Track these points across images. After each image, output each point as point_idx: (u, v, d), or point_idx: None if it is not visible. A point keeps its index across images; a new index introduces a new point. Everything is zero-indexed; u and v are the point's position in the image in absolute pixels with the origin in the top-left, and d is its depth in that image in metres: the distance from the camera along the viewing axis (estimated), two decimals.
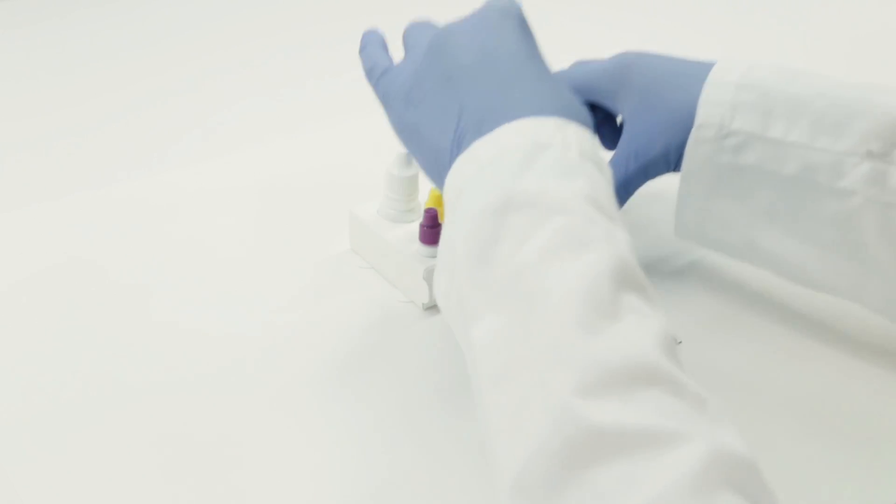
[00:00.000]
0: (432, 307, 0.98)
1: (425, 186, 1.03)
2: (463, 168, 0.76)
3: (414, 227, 0.99)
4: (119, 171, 1.18)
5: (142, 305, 0.96)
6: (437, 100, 0.81)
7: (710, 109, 0.91)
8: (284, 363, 0.91)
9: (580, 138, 0.76)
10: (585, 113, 0.80)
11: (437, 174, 0.82)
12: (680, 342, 0.89)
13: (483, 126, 0.77)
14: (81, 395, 0.87)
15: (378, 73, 0.90)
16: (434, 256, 0.96)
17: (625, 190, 0.97)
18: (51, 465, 0.80)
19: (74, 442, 0.82)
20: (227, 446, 0.83)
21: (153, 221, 1.08)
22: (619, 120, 1.02)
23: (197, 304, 0.97)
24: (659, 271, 1.05)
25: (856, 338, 0.97)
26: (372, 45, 0.93)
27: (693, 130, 0.91)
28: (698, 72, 0.92)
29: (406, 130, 0.86)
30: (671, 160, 0.95)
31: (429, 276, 0.96)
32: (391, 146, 1.01)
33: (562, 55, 1.48)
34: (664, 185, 1.14)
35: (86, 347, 0.92)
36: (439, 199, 0.98)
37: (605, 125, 1.02)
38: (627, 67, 0.97)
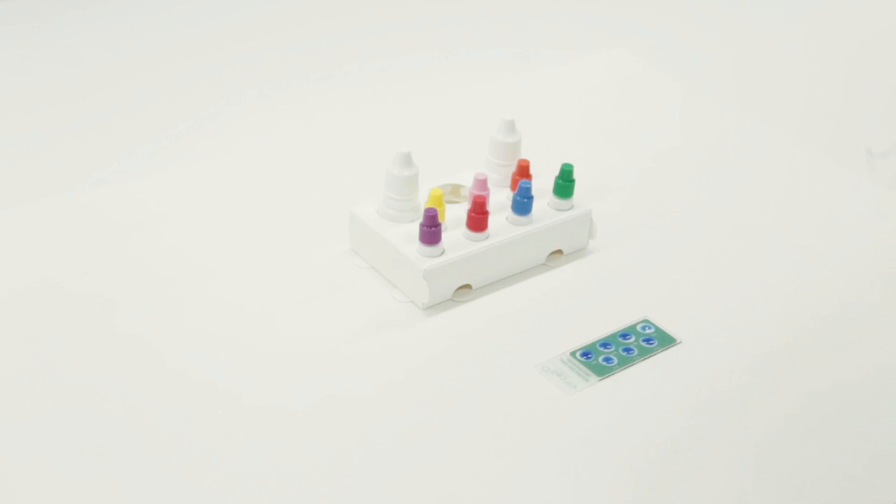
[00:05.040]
0: (432, 307, 0.98)
1: (425, 186, 1.03)
2: None
3: (414, 227, 0.99)
4: (115, 172, 1.18)
5: (139, 308, 0.97)
6: None
7: None
8: (284, 362, 0.91)
9: None
10: None
11: None
12: None
13: None
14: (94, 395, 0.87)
15: None
16: (434, 256, 0.97)
17: None
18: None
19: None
20: (222, 445, 0.83)
21: (152, 221, 1.08)
22: None
23: (197, 305, 0.97)
24: (660, 269, 1.05)
25: (855, 339, 0.97)
26: None
27: None
28: None
29: None
30: None
31: (429, 276, 0.96)
32: (391, 146, 1.01)
33: (561, 54, 1.49)
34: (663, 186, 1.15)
35: (99, 340, 0.92)
36: (439, 199, 0.98)
37: None
38: None
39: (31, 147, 1.22)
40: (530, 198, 1.01)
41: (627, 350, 0.94)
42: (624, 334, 0.96)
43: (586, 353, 0.94)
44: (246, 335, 0.94)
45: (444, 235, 0.98)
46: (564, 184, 1.02)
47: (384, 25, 1.50)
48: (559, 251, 1.05)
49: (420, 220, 0.97)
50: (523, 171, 1.03)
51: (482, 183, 1.00)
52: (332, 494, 0.80)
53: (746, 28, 1.59)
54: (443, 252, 0.97)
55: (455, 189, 1.06)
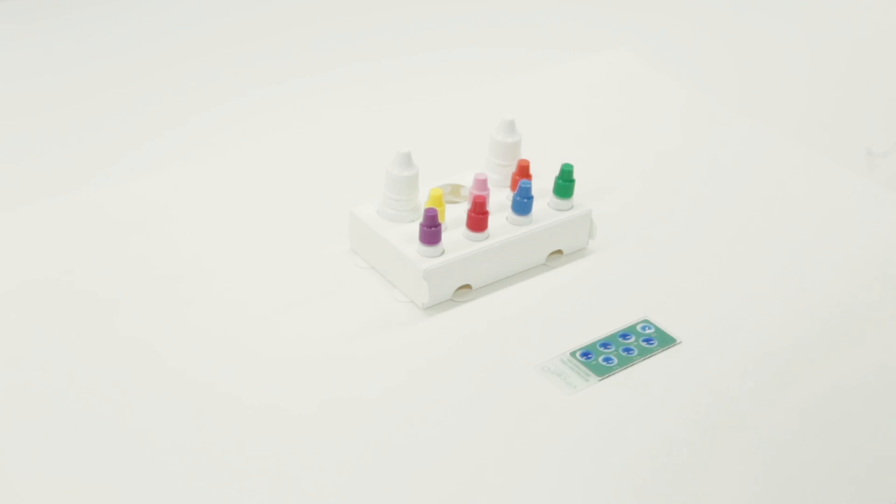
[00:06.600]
0: (432, 307, 0.98)
1: (425, 186, 1.03)
2: None
3: (414, 227, 0.99)
4: (116, 172, 1.18)
5: (140, 308, 0.97)
6: None
7: None
8: (283, 362, 0.91)
9: None
10: None
11: None
12: None
13: None
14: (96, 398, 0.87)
15: None
16: (434, 256, 0.97)
17: None
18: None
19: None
20: (222, 445, 0.83)
21: (152, 221, 1.08)
22: None
23: (198, 305, 0.97)
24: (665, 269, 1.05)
25: (856, 340, 0.97)
26: None
27: None
28: None
29: None
30: None
31: (429, 276, 0.96)
32: (391, 146, 1.01)
33: (562, 54, 1.48)
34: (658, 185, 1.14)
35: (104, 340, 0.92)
36: (439, 199, 0.98)
37: None
38: None
39: (33, 147, 1.22)
40: (530, 198, 1.01)
41: (627, 350, 0.94)
42: (624, 334, 0.96)
43: (586, 353, 0.94)
44: (246, 335, 0.94)
45: (444, 235, 0.98)
46: (564, 184, 1.02)
47: (384, 25, 1.50)
48: (559, 251, 1.05)
49: (420, 220, 0.97)
50: (523, 171, 1.03)
51: (482, 183, 1.00)
52: (331, 495, 0.80)
53: (747, 28, 1.59)
54: (443, 252, 0.97)
55: (455, 189, 1.06)
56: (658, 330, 0.96)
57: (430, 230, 0.95)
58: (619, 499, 0.80)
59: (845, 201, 1.17)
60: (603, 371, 0.92)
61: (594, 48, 1.48)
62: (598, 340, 0.95)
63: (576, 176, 1.04)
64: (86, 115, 1.29)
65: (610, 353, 0.94)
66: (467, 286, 1.00)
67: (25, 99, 1.32)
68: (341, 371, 0.91)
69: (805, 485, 0.83)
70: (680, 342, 0.96)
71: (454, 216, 1.01)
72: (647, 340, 0.95)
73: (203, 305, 0.97)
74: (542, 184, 1.05)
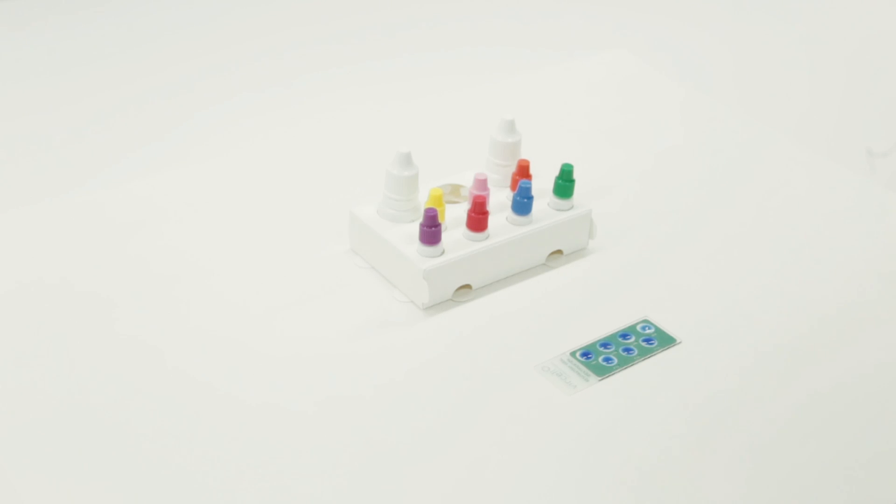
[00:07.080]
0: (432, 307, 0.98)
1: (425, 186, 1.03)
2: None
3: (414, 227, 0.99)
4: (116, 172, 1.18)
5: (139, 308, 0.97)
6: None
7: None
8: (284, 362, 0.91)
9: None
10: None
11: None
12: None
13: None
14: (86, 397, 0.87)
15: None
16: (434, 256, 0.97)
17: None
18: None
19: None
20: (222, 445, 0.83)
21: (152, 221, 1.08)
22: None
23: (198, 305, 0.97)
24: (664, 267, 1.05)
25: (855, 339, 0.97)
26: None
27: None
28: None
29: None
30: None
31: (429, 276, 0.96)
32: (391, 146, 1.01)
33: (562, 54, 1.49)
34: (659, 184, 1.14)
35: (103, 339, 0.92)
36: (439, 199, 0.98)
37: None
38: None
39: (33, 147, 1.22)
40: (530, 198, 1.01)
41: (627, 350, 0.94)
42: (624, 334, 0.96)
43: (586, 353, 0.94)
44: (246, 335, 0.94)
45: (444, 235, 0.98)
46: (564, 184, 1.02)
47: (384, 25, 1.50)
48: (559, 251, 1.05)
49: (420, 220, 0.97)
50: (523, 171, 1.03)
51: (482, 183, 1.00)
52: (331, 495, 0.80)
53: (746, 28, 1.59)
54: (443, 252, 0.97)
55: (455, 189, 1.06)
56: (658, 330, 0.96)
57: (430, 230, 0.95)
58: (619, 498, 0.80)
59: (845, 201, 1.17)
60: (603, 371, 0.92)
61: (594, 48, 1.48)
62: (598, 340, 0.95)
63: (576, 176, 1.04)
64: (86, 114, 1.29)
65: (610, 353, 0.94)
66: (467, 286, 1.00)
67: (25, 99, 1.32)
68: (341, 370, 0.91)
69: (804, 484, 0.83)
70: (680, 342, 0.96)
71: (454, 216, 1.01)
72: (647, 340, 0.95)
73: (203, 305, 0.97)
74: (542, 184, 1.05)
